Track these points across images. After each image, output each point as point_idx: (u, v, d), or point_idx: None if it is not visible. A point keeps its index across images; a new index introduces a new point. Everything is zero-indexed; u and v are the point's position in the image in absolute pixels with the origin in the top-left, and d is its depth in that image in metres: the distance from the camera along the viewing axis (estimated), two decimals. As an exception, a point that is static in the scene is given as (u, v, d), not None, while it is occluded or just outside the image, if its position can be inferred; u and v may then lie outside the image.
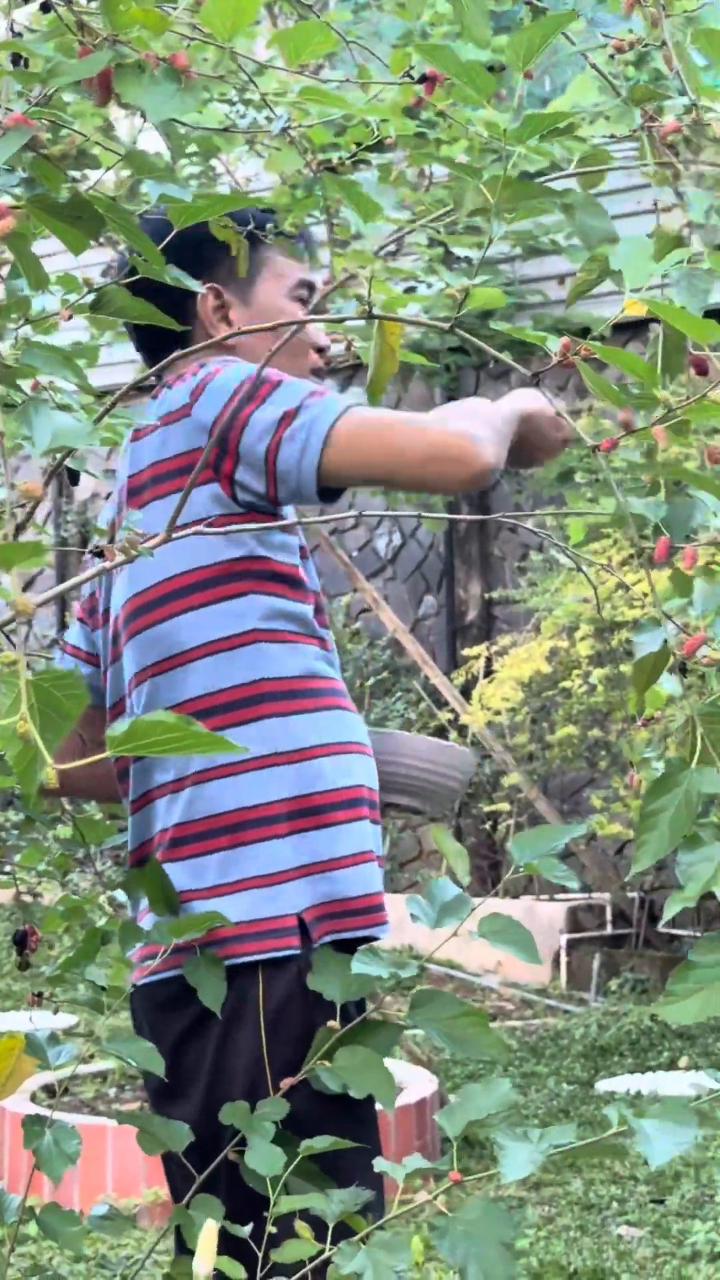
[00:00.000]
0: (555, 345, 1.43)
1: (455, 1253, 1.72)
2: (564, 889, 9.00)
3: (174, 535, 1.62)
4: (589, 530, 7.52)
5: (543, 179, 1.47)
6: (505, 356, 1.48)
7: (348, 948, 2.24)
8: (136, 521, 1.91)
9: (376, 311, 1.60)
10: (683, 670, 1.39)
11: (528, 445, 2.36)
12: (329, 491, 2.24)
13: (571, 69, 9.19)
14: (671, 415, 1.34)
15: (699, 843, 1.37)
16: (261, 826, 2.28)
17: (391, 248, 8.08)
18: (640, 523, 1.41)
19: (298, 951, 2.24)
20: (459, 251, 8.79)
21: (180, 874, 2.30)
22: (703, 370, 1.44)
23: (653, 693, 1.60)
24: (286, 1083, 2.18)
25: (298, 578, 2.36)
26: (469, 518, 2.56)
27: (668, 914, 1.44)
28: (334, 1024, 2.15)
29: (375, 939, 2.32)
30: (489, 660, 8.73)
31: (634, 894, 8.65)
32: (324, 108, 2.30)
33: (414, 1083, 5.70)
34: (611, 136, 1.55)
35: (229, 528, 2.26)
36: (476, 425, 2.18)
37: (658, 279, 1.52)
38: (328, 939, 2.26)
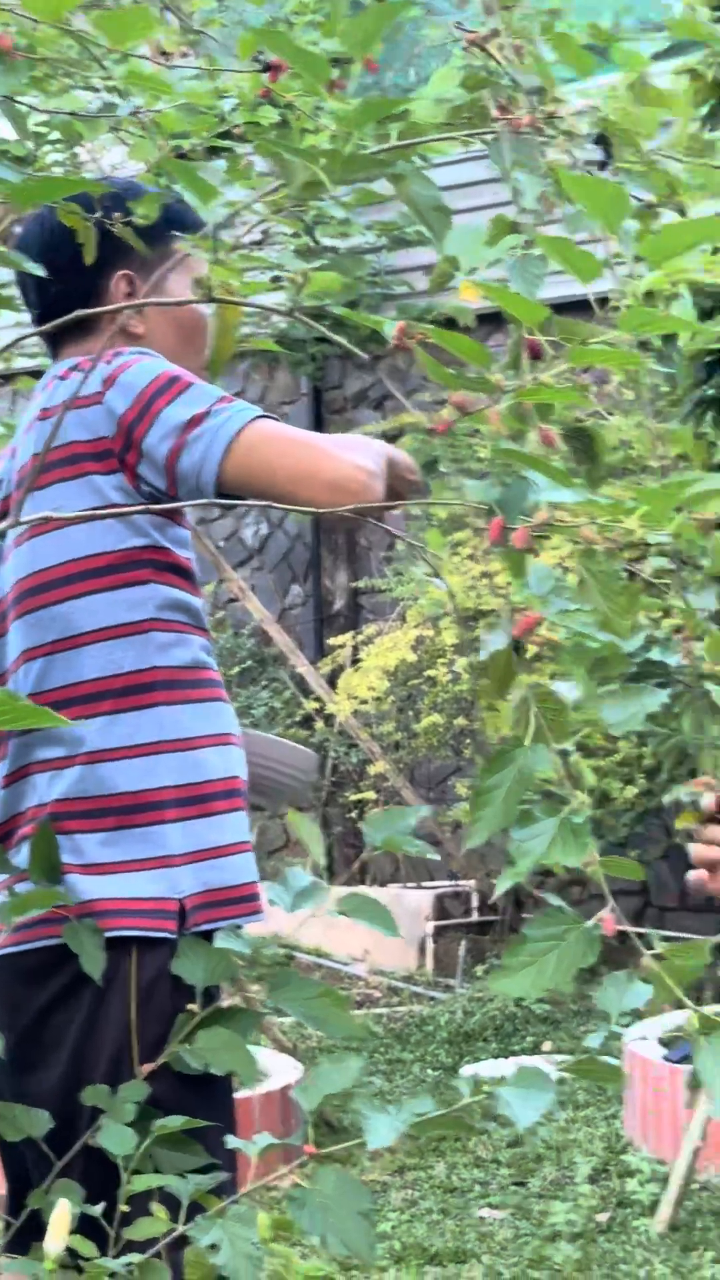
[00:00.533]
0: (391, 330, 1.45)
1: (314, 1223, 1.74)
2: (431, 877, 9.06)
3: (46, 521, 1.63)
4: (453, 518, 7.57)
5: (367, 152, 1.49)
6: (342, 339, 1.49)
7: (212, 937, 2.28)
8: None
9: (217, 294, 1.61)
10: (517, 650, 1.42)
11: (389, 488, 2.43)
12: (229, 497, 2.27)
13: (436, 60, 9.24)
14: (505, 398, 1.37)
15: (531, 819, 1.40)
16: (151, 811, 2.31)
17: (257, 237, 8.08)
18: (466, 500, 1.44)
19: (173, 936, 2.27)
20: (326, 241, 8.81)
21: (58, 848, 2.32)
22: (537, 354, 1.47)
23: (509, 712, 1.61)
24: (146, 1068, 2.20)
25: (192, 571, 2.40)
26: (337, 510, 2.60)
27: (499, 890, 1.46)
28: (194, 1007, 2.18)
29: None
30: (355, 649, 8.75)
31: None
32: (178, 97, 2.31)
33: (279, 1070, 5.72)
34: (448, 124, 1.57)
35: (85, 512, 2.28)
36: (370, 460, 2.23)
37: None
38: (205, 927, 2.29)
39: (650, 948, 1.50)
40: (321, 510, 2.11)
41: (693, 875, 1.76)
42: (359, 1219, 1.76)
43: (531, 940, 1.43)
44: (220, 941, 2.11)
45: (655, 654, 4.03)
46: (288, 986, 2.11)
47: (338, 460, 2.21)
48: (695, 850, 1.75)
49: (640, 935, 1.55)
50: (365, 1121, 1.74)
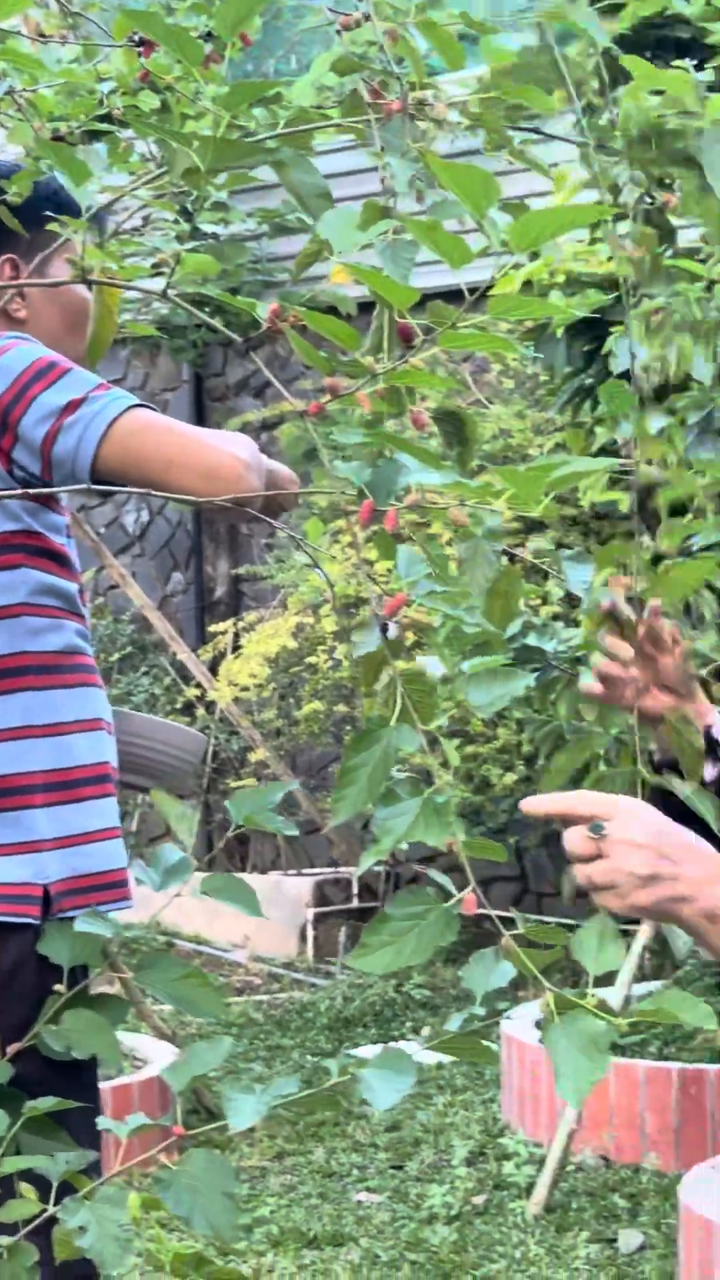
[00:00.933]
0: (264, 312, 1.46)
1: (180, 1204, 1.75)
2: (311, 864, 9.08)
3: None
4: (333, 507, 7.57)
5: (249, 139, 1.50)
6: (219, 324, 1.50)
7: None
8: None
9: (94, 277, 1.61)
10: (384, 630, 1.43)
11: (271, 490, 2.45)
12: (104, 483, 2.27)
13: (319, 47, 9.23)
14: (376, 381, 1.38)
15: (394, 798, 1.41)
16: (18, 795, 2.31)
17: (138, 222, 8.03)
18: (346, 487, 1.45)
19: (37, 922, 2.28)
20: (206, 228, 8.78)
21: None
22: (407, 338, 1.48)
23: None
24: (13, 1048, 2.19)
25: (66, 556, 2.41)
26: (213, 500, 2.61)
27: (362, 867, 1.48)
28: (60, 988, 2.17)
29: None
30: (236, 636, 8.75)
31: (380, 868, 8.75)
32: (53, 77, 2.29)
33: (158, 1057, 5.71)
34: (318, 107, 1.58)
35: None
36: (247, 454, 2.24)
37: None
38: (71, 913, 2.29)
39: (514, 928, 1.52)
40: (199, 500, 2.12)
41: (585, 685, 1.80)
42: (224, 1199, 1.77)
43: (393, 919, 1.44)
44: (81, 925, 2.11)
45: (532, 639, 4.04)
46: (154, 968, 2.11)
47: (212, 449, 2.22)
48: (599, 663, 1.79)
49: (504, 918, 1.57)
50: (228, 1103, 1.75)
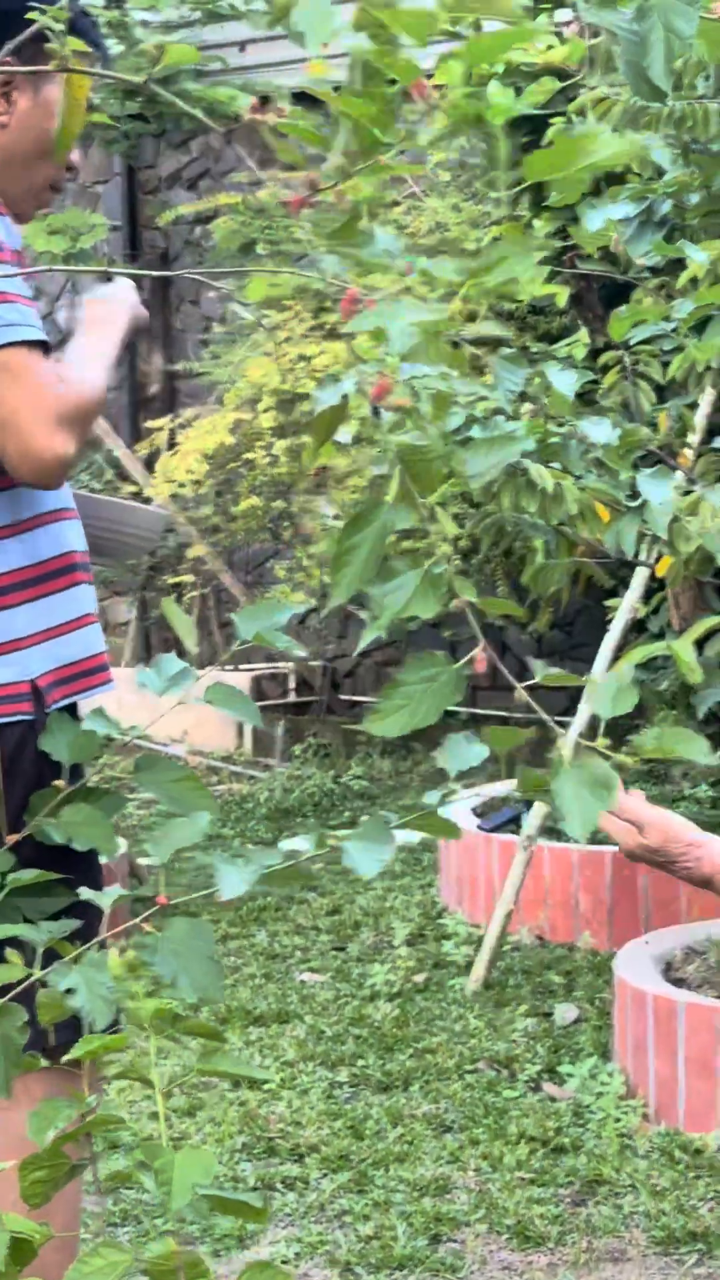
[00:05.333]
0: (245, 104, 1.49)
1: (165, 967, 1.84)
2: (248, 660, 9.18)
3: None
4: (269, 301, 7.54)
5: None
6: (197, 112, 1.53)
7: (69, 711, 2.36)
8: None
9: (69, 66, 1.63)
10: (375, 413, 1.48)
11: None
12: None
13: None
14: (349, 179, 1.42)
15: (393, 573, 1.46)
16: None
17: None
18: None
19: (31, 717, 2.34)
20: (137, 14, 8.62)
21: None
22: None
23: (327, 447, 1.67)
24: (11, 838, 2.27)
25: None
26: (152, 273, 2.64)
27: (363, 644, 1.53)
28: (60, 783, 2.25)
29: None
30: (172, 433, 8.74)
31: (318, 662, 8.86)
32: None
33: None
34: None
35: None
36: (78, 425, 2.34)
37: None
38: (62, 703, 2.36)
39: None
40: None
41: None
42: (208, 962, 1.86)
43: (405, 683, 1.50)
44: (91, 722, 2.17)
45: (475, 432, 4.09)
46: (151, 770, 2.18)
47: (43, 437, 2.29)
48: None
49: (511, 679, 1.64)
50: (217, 873, 1.82)
